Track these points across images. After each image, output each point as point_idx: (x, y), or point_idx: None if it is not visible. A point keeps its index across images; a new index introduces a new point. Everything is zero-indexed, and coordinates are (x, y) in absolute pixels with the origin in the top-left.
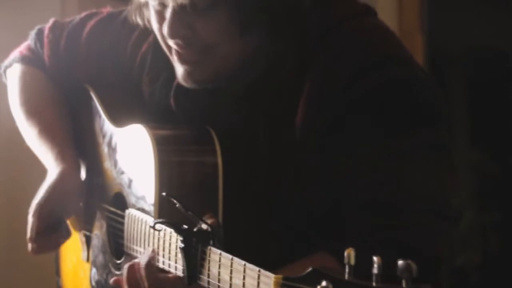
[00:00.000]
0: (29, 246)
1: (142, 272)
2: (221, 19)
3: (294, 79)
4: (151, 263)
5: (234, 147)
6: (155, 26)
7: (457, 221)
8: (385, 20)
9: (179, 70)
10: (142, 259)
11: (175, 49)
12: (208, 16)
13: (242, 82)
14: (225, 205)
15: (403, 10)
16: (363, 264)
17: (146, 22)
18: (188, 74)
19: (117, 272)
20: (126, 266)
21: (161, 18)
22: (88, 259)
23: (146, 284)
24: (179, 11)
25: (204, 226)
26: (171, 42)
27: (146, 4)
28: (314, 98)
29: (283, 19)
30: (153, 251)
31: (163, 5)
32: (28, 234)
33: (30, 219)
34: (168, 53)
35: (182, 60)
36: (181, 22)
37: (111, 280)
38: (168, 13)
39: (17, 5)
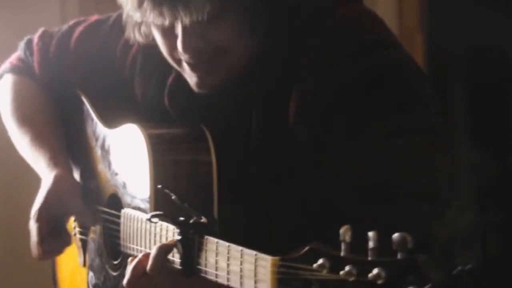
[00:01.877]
0: (34, 252)
1: (154, 255)
2: (231, 23)
3: (286, 63)
4: (167, 247)
5: (229, 143)
6: (159, 40)
7: (448, 203)
8: (385, 19)
9: (192, 78)
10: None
11: (188, 61)
12: (218, 23)
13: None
14: (220, 202)
15: (403, 10)
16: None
17: (145, 37)
18: (202, 81)
19: (114, 273)
20: (130, 260)
21: (166, 33)
22: (84, 264)
23: (153, 268)
24: (189, 25)
25: (201, 219)
26: (184, 56)
27: (144, 22)
28: (307, 81)
29: (282, 12)
30: (172, 241)
31: (171, 24)
32: (33, 239)
33: (33, 224)
34: (176, 66)
35: (195, 69)
36: (193, 36)
37: (129, 259)
38: (178, 30)
39: (17, 5)
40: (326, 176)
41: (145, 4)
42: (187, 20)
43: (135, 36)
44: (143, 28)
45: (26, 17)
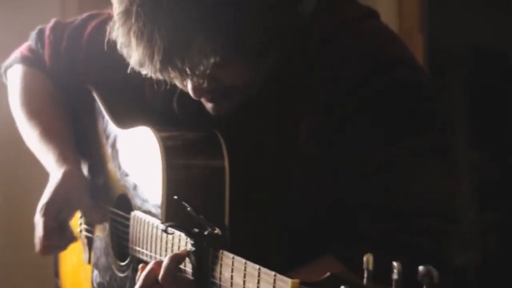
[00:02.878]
0: (38, 246)
1: (166, 264)
2: (238, 63)
3: (298, 83)
4: (179, 257)
5: (237, 153)
6: (179, 83)
7: (460, 223)
8: (385, 20)
9: (207, 105)
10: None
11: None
12: (225, 63)
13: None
14: (231, 208)
15: (403, 10)
16: (374, 268)
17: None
18: (218, 108)
19: (121, 275)
20: (141, 268)
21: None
22: (89, 261)
23: (165, 278)
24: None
25: (215, 230)
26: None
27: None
28: (320, 100)
29: (286, 32)
30: (184, 251)
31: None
32: (39, 233)
33: (39, 218)
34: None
35: (209, 100)
36: (203, 81)
37: (140, 266)
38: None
39: (17, 5)
40: (338, 194)
41: (146, 67)
42: (190, 77)
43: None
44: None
45: (26, 17)
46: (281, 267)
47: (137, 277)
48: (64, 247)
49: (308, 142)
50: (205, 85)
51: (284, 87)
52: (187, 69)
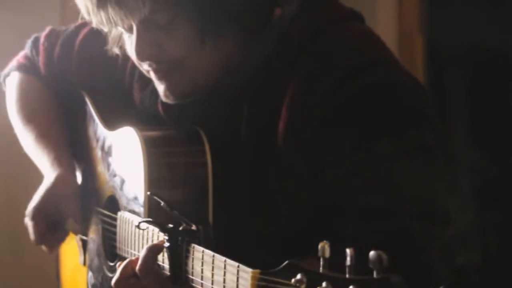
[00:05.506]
0: (43, 247)
1: (143, 255)
2: (183, 32)
3: (277, 83)
4: (157, 248)
5: (219, 151)
6: (128, 51)
7: (446, 224)
8: (385, 20)
9: (160, 88)
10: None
11: (149, 70)
12: (171, 31)
13: (226, 88)
14: (214, 205)
15: (403, 10)
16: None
17: (124, 52)
18: (168, 91)
19: (111, 275)
20: (119, 263)
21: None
22: (84, 263)
23: (142, 268)
24: (143, 31)
25: (191, 226)
26: (144, 65)
27: (121, 36)
28: (298, 102)
29: (251, 25)
30: (161, 241)
31: (130, 28)
32: (32, 238)
33: (29, 222)
34: (147, 74)
35: (160, 78)
36: (147, 42)
37: (118, 264)
38: (133, 38)
39: (17, 5)
40: (317, 196)
41: (90, 10)
42: (124, 24)
43: (114, 49)
44: (121, 44)
45: (26, 17)
46: (269, 264)
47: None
48: (57, 245)
49: (287, 144)
50: (148, 49)
51: (262, 88)
52: (124, 16)
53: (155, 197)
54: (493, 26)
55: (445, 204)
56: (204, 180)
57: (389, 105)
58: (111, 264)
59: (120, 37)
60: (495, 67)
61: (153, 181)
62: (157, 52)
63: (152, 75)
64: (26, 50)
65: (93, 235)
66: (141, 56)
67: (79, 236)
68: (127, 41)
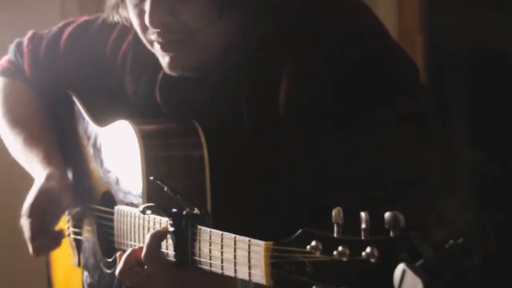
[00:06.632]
0: (30, 247)
1: (147, 242)
2: (201, 2)
3: (276, 56)
4: (160, 234)
5: (222, 138)
6: (135, 21)
7: (438, 191)
8: (385, 19)
9: (164, 59)
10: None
11: (158, 40)
12: (188, 0)
13: (225, 66)
14: (213, 196)
15: (403, 10)
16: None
17: (124, 20)
18: (173, 62)
19: (109, 271)
20: (119, 255)
21: (140, 11)
22: (79, 264)
23: (147, 255)
24: (157, 1)
25: (194, 210)
26: (153, 34)
27: (122, 2)
28: (296, 75)
29: (261, 2)
30: (165, 227)
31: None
32: (26, 235)
33: (25, 220)
34: (149, 46)
35: (166, 49)
36: (162, 9)
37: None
38: (147, 5)
39: (17, 5)
40: (318, 166)
41: None
42: None
43: (113, 17)
44: (121, 11)
45: (26, 17)
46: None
47: (117, 262)
48: (53, 246)
49: (287, 117)
50: (161, 17)
51: (261, 63)
52: None
53: (158, 182)
54: (493, 26)
55: (437, 171)
56: (201, 172)
57: (381, 73)
58: (109, 260)
59: (118, 4)
60: (495, 67)
61: (151, 173)
62: (171, 20)
63: (156, 47)
64: (9, 55)
65: (87, 234)
66: (154, 23)
67: (73, 236)
68: (132, 10)
